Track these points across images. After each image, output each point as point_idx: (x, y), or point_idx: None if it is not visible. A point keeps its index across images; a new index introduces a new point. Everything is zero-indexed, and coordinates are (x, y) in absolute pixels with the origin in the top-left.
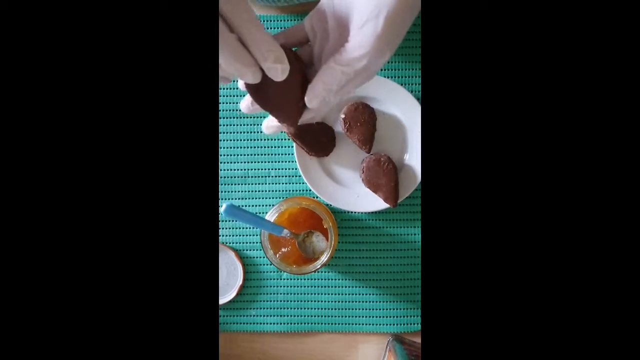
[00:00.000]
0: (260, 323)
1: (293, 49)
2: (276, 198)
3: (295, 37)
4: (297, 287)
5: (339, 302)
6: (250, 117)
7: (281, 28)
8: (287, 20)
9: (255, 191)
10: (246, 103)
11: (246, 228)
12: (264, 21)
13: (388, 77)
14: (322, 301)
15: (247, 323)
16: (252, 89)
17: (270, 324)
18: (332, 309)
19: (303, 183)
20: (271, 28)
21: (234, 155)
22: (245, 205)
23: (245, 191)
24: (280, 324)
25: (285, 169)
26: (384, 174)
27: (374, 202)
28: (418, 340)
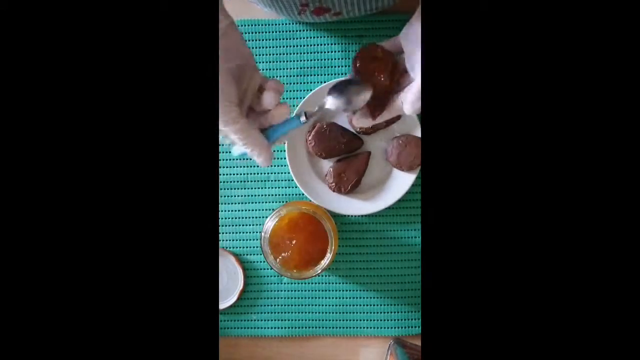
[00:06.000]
0: (262, 327)
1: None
2: (276, 202)
3: (395, 47)
4: (298, 291)
5: (340, 305)
6: None
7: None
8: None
9: (255, 195)
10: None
11: (246, 232)
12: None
13: None
14: (323, 305)
15: (248, 328)
16: (372, 108)
17: (272, 328)
18: (333, 312)
19: None
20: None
21: (233, 159)
22: (245, 210)
23: (245, 195)
24: (282, 328)
25: (285, 173)
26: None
27: (367, 205)
28: (420, 343)
